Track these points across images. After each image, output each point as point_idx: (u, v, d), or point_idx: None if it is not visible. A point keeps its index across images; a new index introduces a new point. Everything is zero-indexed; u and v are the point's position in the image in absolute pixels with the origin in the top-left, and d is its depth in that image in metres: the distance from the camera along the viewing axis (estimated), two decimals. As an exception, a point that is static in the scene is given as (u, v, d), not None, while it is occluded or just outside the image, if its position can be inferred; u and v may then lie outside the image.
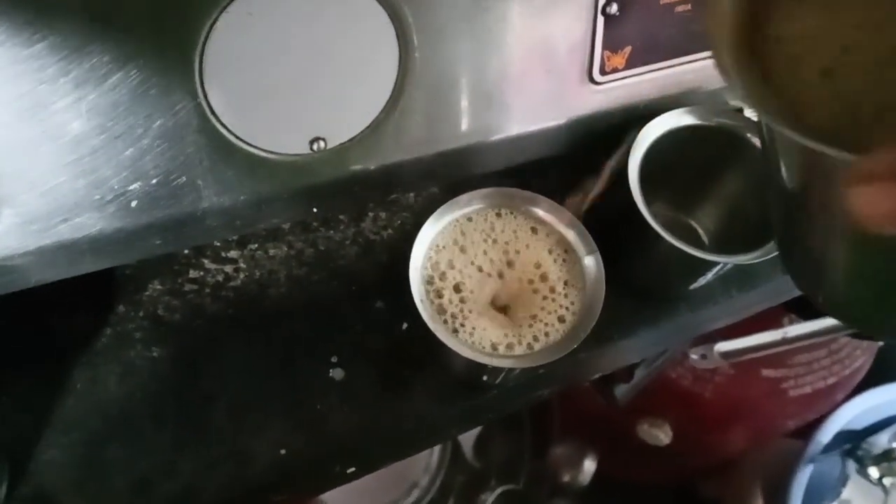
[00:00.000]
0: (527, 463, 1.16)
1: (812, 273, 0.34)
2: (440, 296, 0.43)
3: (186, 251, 0.52)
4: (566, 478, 1.13)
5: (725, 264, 0.47)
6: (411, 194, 0.55)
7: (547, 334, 0.43)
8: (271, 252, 0.53)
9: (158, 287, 0.51)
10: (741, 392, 1.06)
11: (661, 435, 1.09)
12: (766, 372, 1.05)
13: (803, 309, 0.87)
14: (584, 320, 0.43)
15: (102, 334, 0.49)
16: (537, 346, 0.43)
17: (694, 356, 0.86)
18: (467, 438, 1.12)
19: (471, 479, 1.12)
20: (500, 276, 0.45)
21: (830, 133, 0.25)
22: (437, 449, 1.08)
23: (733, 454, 1.15)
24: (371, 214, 0.55)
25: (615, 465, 1.14)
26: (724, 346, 0.84)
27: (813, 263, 0.33)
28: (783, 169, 0.30)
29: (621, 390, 0.85)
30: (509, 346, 0.43)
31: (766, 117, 0.27)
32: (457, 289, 0.44)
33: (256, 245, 0.53)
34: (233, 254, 0.53)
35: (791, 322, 0.92)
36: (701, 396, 1.06)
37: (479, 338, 0.43)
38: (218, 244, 0.52)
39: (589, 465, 1.12)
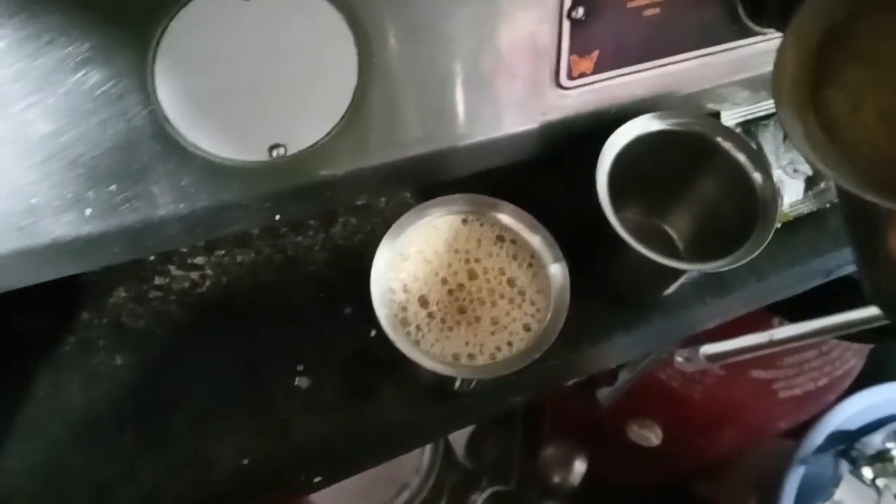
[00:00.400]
0: (518, 464, 1.15)
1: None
2: (404, 309, 0.43)
3: (152, 257, 0.51)
4: (556, 479, 1.13)
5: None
6: (382, 199, 0.55)
7: (510, 343, 0.42)
8: (239, 258, 0.52)
9: (123, 294, 0.50)
10: (731, 393, 1.05)
11: (652, 436, 1.08)
12: (756, 373, 1.05)
13: (791, 311, 0.86)
14: (549, 329, 0.42)
15: (66, 341, 0.49)
16: (500, 356, 0.42)
17: (679, 359, 0.86)
18: (459, 439, 1.12)
19: (462, 480, 1.12)
20: (464, 286, 0.44)
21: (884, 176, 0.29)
22: (428, 449, 1.07)
23: (724, 455, 1.15)
24: (341, 220, 0.54)
25: (606, 467, 1.13)
26: (709, 348, 0.83)
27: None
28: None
29: (604, 393, 0.85)
30: (471, 357, 0.42)
31: (824, 169, 0.31)
32: (421, 301, 0.43)
33: (224, 251, 0.52)
34: (199, 260, 0.52)
35: (780, 324, 0.91)
36: (690, 398, 1.06)
37: (440, 348, 0.42)
38: (185, 250, 0.52)
39: (579, 467, 1.12)
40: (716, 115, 0.53)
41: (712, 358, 0.83)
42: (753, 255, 0.44)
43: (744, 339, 0.80)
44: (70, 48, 0.33)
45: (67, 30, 0.33)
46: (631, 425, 1.08)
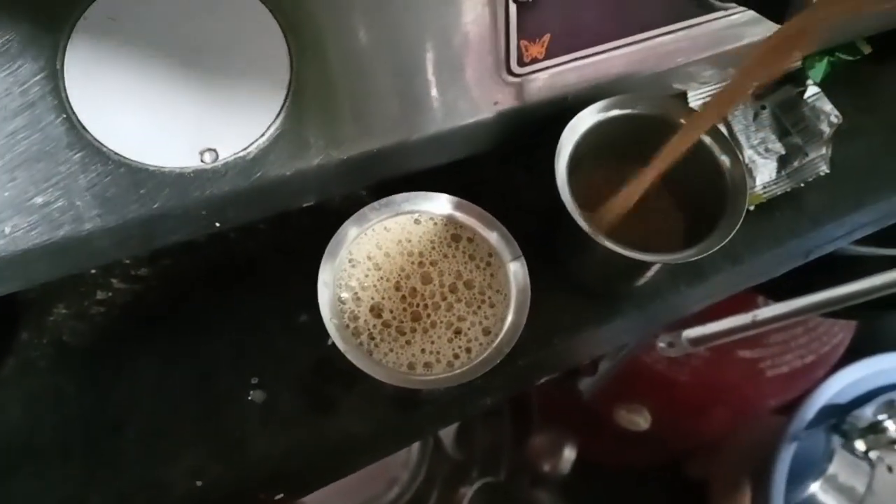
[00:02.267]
0: (507, 454, 1.14)
1: None
2: (355, 318, 0.40)
3: (93, 271, 0.49)
4: (546, 467, 1.12)
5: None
6: (336, 198, 0.52)
7: (469, 350, 0.40)
8: (185, 267, 0.50)
9: (63, 311, 0.48)
10: (718, 374, 1.04)
11: (640, 420, 1.08)
12: (743, 353, 1.04)
13: (774, 290, 0.85)
14: (510, 331, 0.40)
15: (4, 364, 0.46)
16: (458, 364, 0.40)
17: (662, 344, 0.84)
18: (448, 431, 1.10)
19: (452, 473, 1.11)
20: (417, 290, 0.42)
21: None
22: (416, 443, 1.06)
23: (715, 435, 1.14)
24: (293, 222, 0.52)
25: (596, 452, 1.13)
26: (692, 332, 0.82)
27: None
28: None
29: (586, 383, 0.83)
30: (427, 366, 0.40)
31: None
32: (373, 309, 0.41)
33: (169, 260, 0.50)
34: (143, 271, 0.49)
35: (764, 303, 0.90)
36: (677, 380, 1.05)
37: (395, 357, 0.40)
38: (128, 261, 0.49)
39: (568, 454, 1.11)
40: (682, 95, 0.51)
41: (696, 342, 0.82)
42: (723, 244, 0.41)
43: (727, 320, 0.79)
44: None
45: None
46: (619, 410, 1.08)
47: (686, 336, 0.82)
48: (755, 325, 0.77)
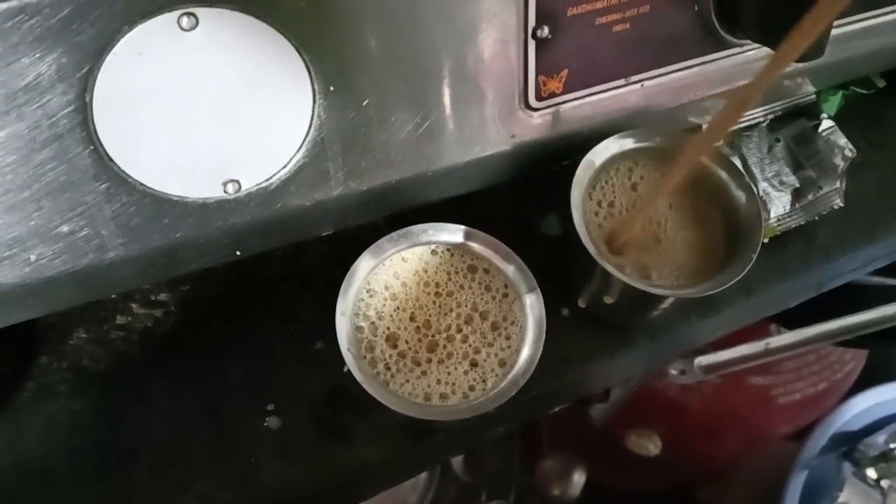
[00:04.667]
0: (517, 477, 1.14)
1: None
2: (372, 348, 0.41)
3: (113, 296, 0.49)
4: (556, 491, 1.12)
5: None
6: (352, 227, 0.53)
7: (485, 380, 0.40)
8: (203, 293, 0.50)
9: (83, 335, 0.48)
10: (729, 401, 1.04)
11: (651, 446, 1.07)
12: (755, 380, 1.04)
13: (787, 319, 0.85)
14: (526, 363, 0.40)
15: (24, 388, 0.47)
16: (473, 395, 0.40)
17: (673, 371, 0.84)
18: (457, 452, 1.10)
19: (461, 495, 1.10)
20: (434, 322, 0.42)
21: None
22: (425, 464, 1.05)
23: (726, 462, 1.13)
24: (310, 250, 0.52)
25: (606, 477, 1.12)
26: (704, 359, 0.81)
27: None
28: None
29: (597, 410, 0.83)
30: (443, 397, 0.40)
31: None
32: (389, 339, 0.41)
33: (188, 286, 0.50)
34: (163, 296, 0.50)
35: (776, 331, 0.90)
36: (689, 407, 1.04)
37: (411, 388, 0.40)
38: (147, 287, 0.50)
39: (578, 478, 1.11)
40: (698, 128, 0.51)
41: (708, 369, 0.81)
42: (737, 279, 0.42)
43: (740, 348, 0.78)
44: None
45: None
46: (629, 436, 1.07)
47: (698, 363, 0.82)
48: (768, 353, 0.77)
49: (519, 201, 0.53)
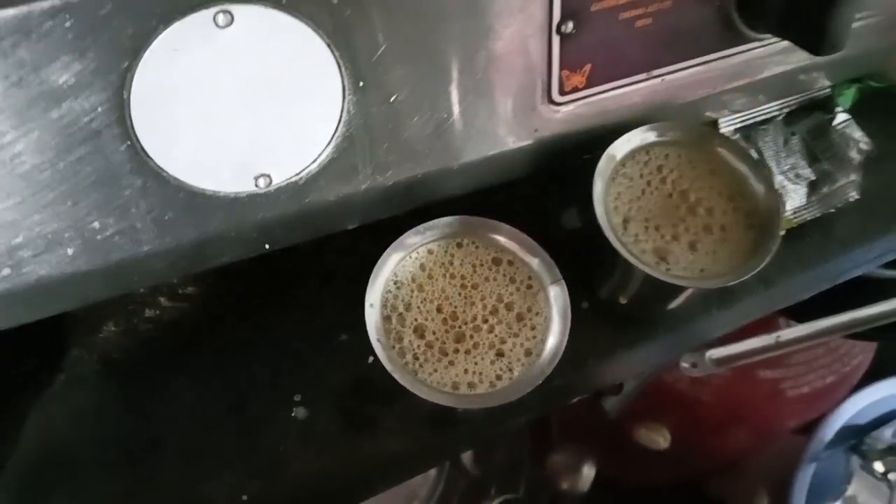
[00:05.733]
0: (526, 470, 1.14)
1: None
2: (400, 339, 0.41)
3: (142, 289, 0.50)
4: (565, 485, 1.12)
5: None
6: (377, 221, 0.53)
7: (511, 369, 0.41)
8: (229, 287, 0.51)
9: (113, 328, 0.49)
10: (739, 394, 1.04)
11: (660, 439, 1.07)
12: (764, 373, 1.04)
13: (797, 311, 0.85)
14: (551, 353, 0.41)
15: (55, 380, 0.47)
16: (500, 384, 0.41)
17: (685, 364, 0.84)
18: (467, 446, 1.11)
19: (470, 489, 1.11)
20: (461, 313, 0.43)
21: None
22: (434, 458, 1.06)
23: (735, 455, 1.14)
24: (334, 243, 0.53)
25: (615, 470, 1.13)
26: (716, 352, 0.82)
27: None
28: None
29: (610, 403, 0.83)
30: (471, 385, 0.41)
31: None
32: (417, 330, 0.42)
33: (215, 280, 0.51)
34: (190, 290, 0.51)
35: (786, 324, 0.90)
36: (698, 400, 1.05)
37: (439, 377, 0.41)
38: (175, 281, 0.51)
39: (588, 472, 1.11)
40: (713, 122, 0.52)
41: (719, 362, 0.82)
42: (757, 270, 0.42)
43: (751, 341, 0.79)
44: (42, 87, 0.32)
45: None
46: (639, 429, 1.08)
47: (710, 356, 0.82)
48: (778, 345, 0.78)
49: (542, 193, 0.54)
